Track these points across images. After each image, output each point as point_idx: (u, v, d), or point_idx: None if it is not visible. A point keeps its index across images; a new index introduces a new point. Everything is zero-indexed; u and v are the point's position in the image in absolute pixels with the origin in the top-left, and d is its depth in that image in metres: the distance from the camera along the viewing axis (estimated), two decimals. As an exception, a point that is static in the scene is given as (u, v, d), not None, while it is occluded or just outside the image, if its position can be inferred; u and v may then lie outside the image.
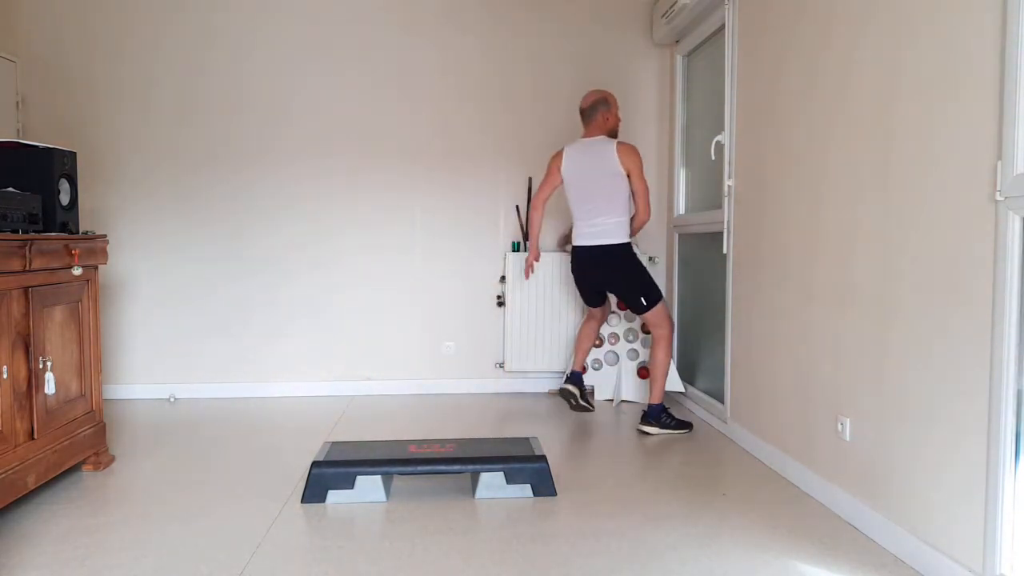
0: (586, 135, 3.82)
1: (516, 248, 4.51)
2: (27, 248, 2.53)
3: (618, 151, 3.69)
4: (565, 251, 4.44)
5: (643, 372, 4.27)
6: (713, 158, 3.78)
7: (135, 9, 4.30)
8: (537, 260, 4.05)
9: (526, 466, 2.73)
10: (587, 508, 2.62)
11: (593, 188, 3.72)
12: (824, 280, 2.67)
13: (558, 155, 3.85)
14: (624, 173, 3.68)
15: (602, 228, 3.71)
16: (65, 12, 4.27)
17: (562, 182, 3.84)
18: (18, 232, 2.55)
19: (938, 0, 2.05)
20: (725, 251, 3.57)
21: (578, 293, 4.03)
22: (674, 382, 4.24)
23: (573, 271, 3.94)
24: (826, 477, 2.64)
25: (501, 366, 4.55)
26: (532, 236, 3.99)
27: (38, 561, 2.20)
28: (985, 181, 1.87)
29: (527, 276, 4.12)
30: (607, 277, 3.82)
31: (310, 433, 3.59)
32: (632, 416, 3.98)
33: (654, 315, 3.72)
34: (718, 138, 3.69)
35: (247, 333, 4.42)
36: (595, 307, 4.02)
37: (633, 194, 3.73)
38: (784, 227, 2.99)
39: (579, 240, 3.81)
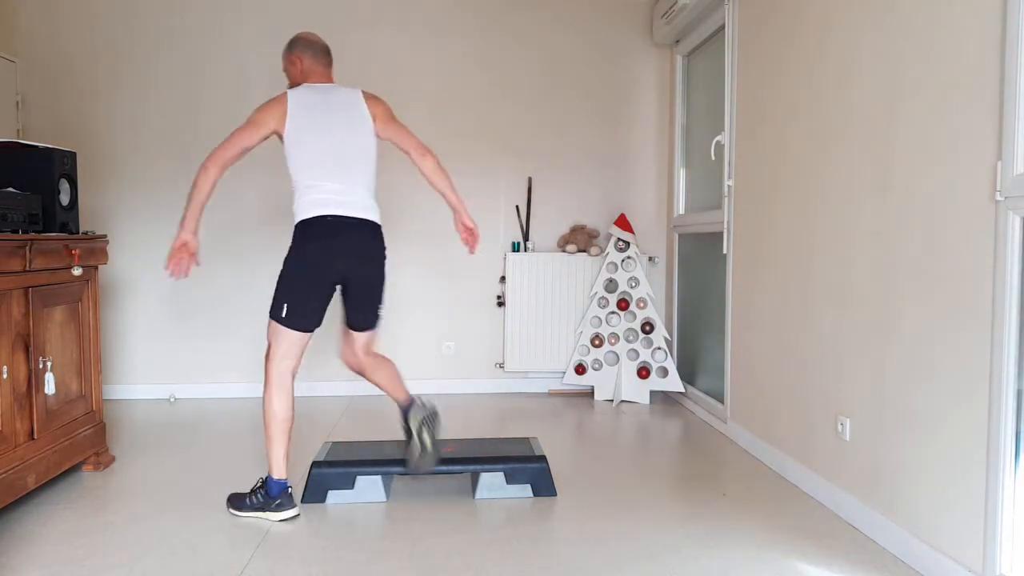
0: (324, 80, 2.77)
1: (516, 248, 4.51)
2: (27, 248, 2.53)
3: (367, 100, 2.70)
4: (566, 251, 4.44)
5: (643, 372, 4.27)
6: (713, 158, 3.79)
7: (135, 9, 4.30)
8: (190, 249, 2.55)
9: (526, 466, 2.73)
10: (587, 508, 2.62)
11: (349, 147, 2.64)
12: (824, 280, 2.67)
13: (280, 101, 2.69)
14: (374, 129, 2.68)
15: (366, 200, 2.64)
16: (65, 12, 4.27)
17: (280, 138, 2.69)
18: (18, 232, 2.55)
19: (938, 0, 2.05)
20: (725, 251, 3.57)
21: (315, 306, 2.55)
22: (674, 382, 4.24)
23: (314, 256, 2.55)
24: (826, 477, 2.64)
25: (501, 366, 4.55)
26: (195, 207, 2.60)
27: (38, 561, 2.20)
28: (985, 181, 1.87)
29: (177, 271, 2.51)
30: (370, 272, 2.64)
31: (310, 433, 3.59)
32: (632, 416, 3.98)
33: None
34: (718, 138, 3.69)
35: (247, 333, 4.42)
36: (316, 327, 2.59)
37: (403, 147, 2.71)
38: (784, 227, 2.99)
39: (338, 209, 2.55)
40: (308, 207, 2.57)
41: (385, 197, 4.47)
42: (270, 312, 2.56)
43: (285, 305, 2.52)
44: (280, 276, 2.59)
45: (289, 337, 2.53)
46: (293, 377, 2.57)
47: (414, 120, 4.43)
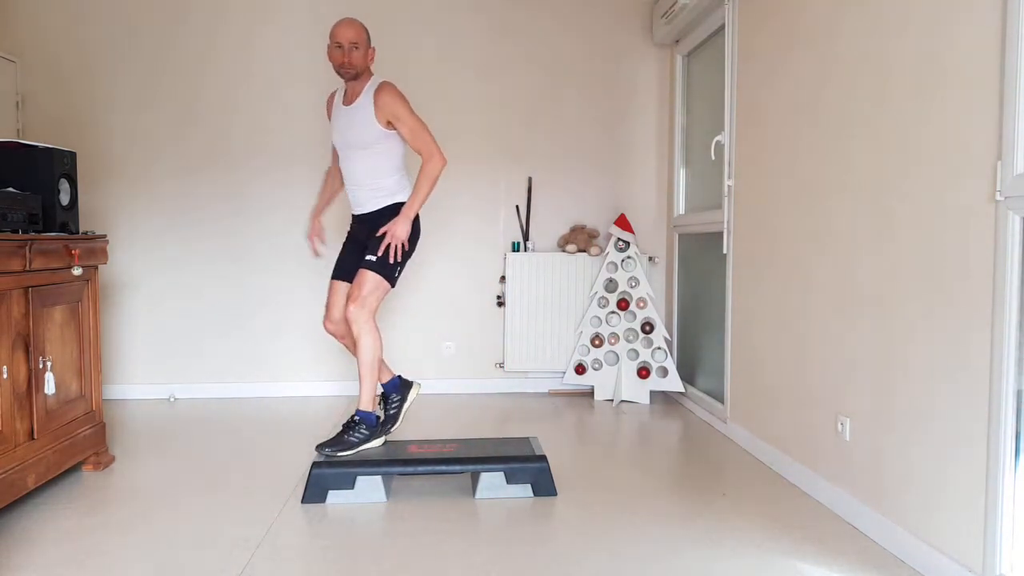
0: None
1: (516, 248, 4.51)
2: (27, 248, 2.53)
3: None
4: (566, 251, 4.44)
5: (643, 372, 4.28)
6: (713, 158, 3.79)
7: (135, 9, 4.30)
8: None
9: (526, 466, 2.73)
10: (587, 508, 2.62)
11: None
12: (824, 280, 2.67)
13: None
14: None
15: None
16: (65, 12, 4.27)
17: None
18: (18, 232, 2.55)
19: (939, 0, 2.05)
20: (725, 251, 3.57)
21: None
22: (674, 382, 4.24)
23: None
24: (826, 477, 2.64)
25: (501, 366, 4.55)
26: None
27: (38, 561, 2.20)
28: (985, 181, 1.87)
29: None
30: None
31: (310, 433, 3.59)
32: (632, 416, 3.98)
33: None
34: (718, 138, 3.69)
35: (247, 333, 4.42)
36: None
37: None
38: (784, 227, 2.99)
39: None
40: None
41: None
42: (386, 273, 2.92)
43: (399, 269, 2.97)
44: (406, 249, 2.97)
45: (387, 292, 2.98)
46: None
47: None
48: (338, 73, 2.98)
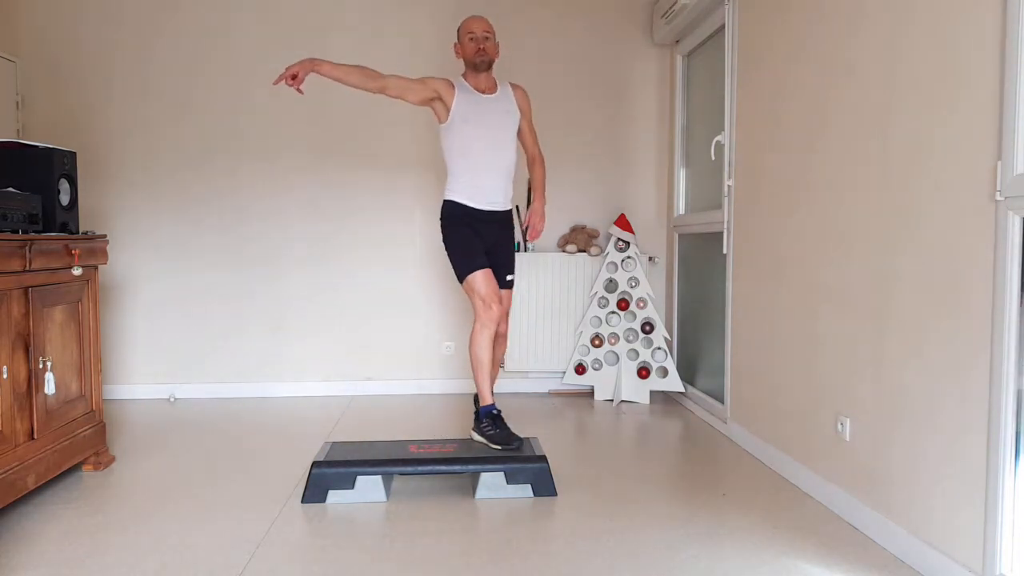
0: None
1: (516, 248, 4.49)
2: (27, 248, 2.53)
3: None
4: (566, 251, 4.44)
5: (643, 372, 4.27)
6: (713, 158, 3.79)
7: (134, 9, 4.30)
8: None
9: (526, 466, 2.73)
10: (587, 508, 2.62)
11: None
12: (824, 280, 2.67)
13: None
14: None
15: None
16: (65, 12, 4.27)
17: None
18: (18, 232, 2.55)
19: (938, 0, 2.05)
20: (725, 251, 3.57)
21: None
22: (674, 382, 4.24)
23: None
24: (826, 477, 2.64)
25: (501, 366, 4.53)
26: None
27: (38, 561, 2.20)
28: (985, 181, 1.87)
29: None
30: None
31: (310, 433, 3.59)
32: (632, 416, 3.98)
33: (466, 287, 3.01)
34: (718, 138, 3.69)
35: (247, 333, 4.42)
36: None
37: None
38: (784, 227, 2.99)
39: None
40: None
41: (385, 199, 4.48)
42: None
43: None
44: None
45: None
46: None
47: (410, 119, 4.43)
48: (472, 64, 3.04)
